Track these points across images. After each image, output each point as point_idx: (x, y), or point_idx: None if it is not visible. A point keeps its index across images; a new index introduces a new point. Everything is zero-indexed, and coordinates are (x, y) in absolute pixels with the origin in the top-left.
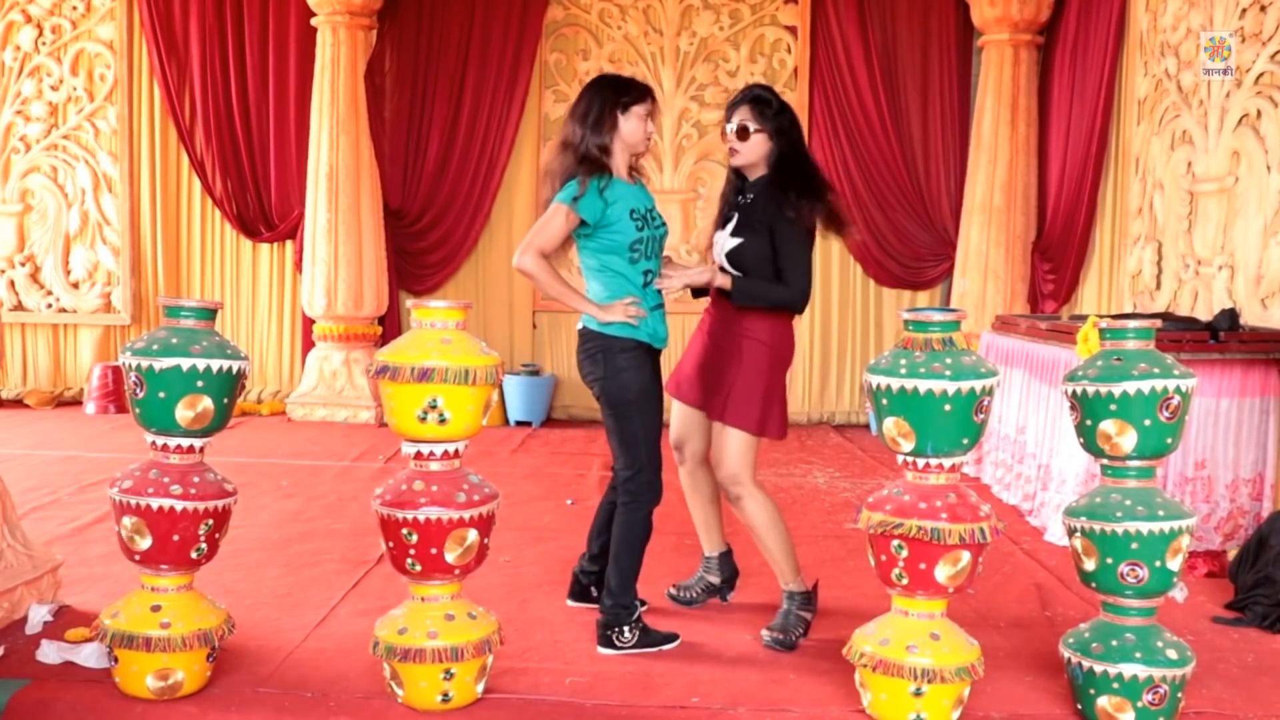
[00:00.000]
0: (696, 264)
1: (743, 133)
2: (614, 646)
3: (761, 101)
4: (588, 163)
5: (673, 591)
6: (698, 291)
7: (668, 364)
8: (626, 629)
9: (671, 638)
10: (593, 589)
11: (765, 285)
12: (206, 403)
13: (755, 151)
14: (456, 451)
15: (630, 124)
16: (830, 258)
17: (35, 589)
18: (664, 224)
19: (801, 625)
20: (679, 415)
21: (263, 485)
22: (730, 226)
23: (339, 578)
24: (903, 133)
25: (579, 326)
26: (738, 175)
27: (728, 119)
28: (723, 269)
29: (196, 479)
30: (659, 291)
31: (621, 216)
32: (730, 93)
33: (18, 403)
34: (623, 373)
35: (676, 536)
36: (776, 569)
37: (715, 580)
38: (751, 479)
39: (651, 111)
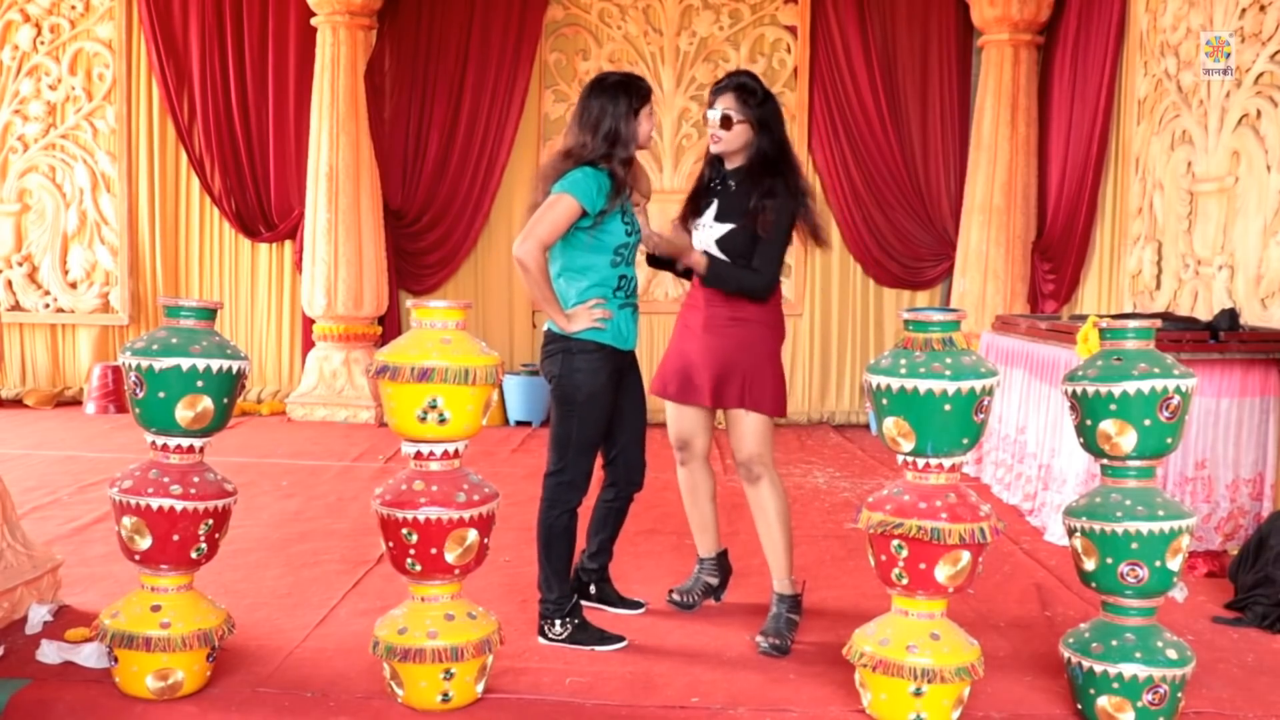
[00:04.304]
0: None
1: (725, 122)
2: (546, 637)
3: (746, 90)
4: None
5: (675, 598)
6: (676, 270)
7: (648, 366)
8: (558, 623)
9: (613, 639)
10: (592, 586)
11: (737, 270)
12: (206, 403)
13: (737, 140)
14: (456, 451)
15: (641, 127)
16: (830, 258)
17: (35, 589)
18: (639, 230)
19: (792, 629)
20: (679, 415)
21: (263, 485)
22: (711, 213)
23: (339, 578)
24: (903, 133)
25: (544, 327)
26: (716, 161)
27: (710, 104)
28: (708, 254)
29: (196, 479)
30: (627, 294)
31: (616, 218)
32: None
33: (17, 403)
34: (577, 373)
35: (676, 536)
36: (774, 563)
37: (714, 581)
38: (772, 459)
39: (653, 107)
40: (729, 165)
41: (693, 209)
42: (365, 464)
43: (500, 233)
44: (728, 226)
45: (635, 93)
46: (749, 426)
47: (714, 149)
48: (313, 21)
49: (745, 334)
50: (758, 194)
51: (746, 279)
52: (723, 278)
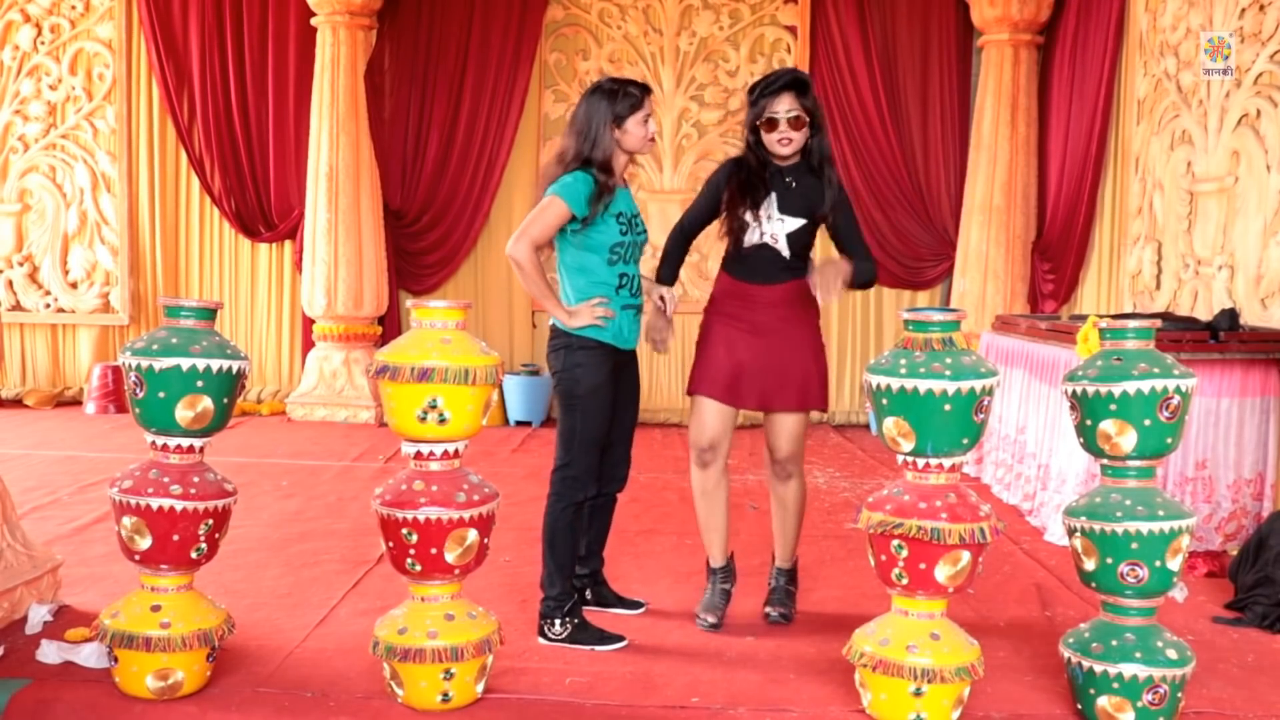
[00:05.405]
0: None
1: (797, 121)
2: (546, 637)
3: (805, 86)
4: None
5: (713, 620)
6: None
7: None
8: (558, 622)
9: (613, 639)
10: (588, 592)
11: (867, 266)
12: (206, 403)
13: (802, 139)
14: (456, 451)
15: (630, 133)
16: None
17: (35, 589)
18: (645, 231)
19: (792, 599)
20: (718, 418)
21: (263, 485)
22: (773, 205)
23: (339, 578)
24: (903, 133)
25: (550, 323)
26: (757, 157)
27: (765, 104)
28: (767, 246)
29: (196, 479)
30: (632, 294)
31: (608, 217)
32: (731, 93)
33: (17, 403)
34: (577, 368)
35: (676, 536)
36: (784, 545)
37: (730, 588)
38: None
39: (650, 112)
40: (781, 163)
41: (747, 196)
42: (365, 464)
43: (500, 233)
44: (799, 222)
45: (622, 100)
46: (795, 427)
47: (785, 151)
48: (313, 21)
49: (799, 334)
50: (829, 197)
51: (873, 270)
52: (868, 278)
